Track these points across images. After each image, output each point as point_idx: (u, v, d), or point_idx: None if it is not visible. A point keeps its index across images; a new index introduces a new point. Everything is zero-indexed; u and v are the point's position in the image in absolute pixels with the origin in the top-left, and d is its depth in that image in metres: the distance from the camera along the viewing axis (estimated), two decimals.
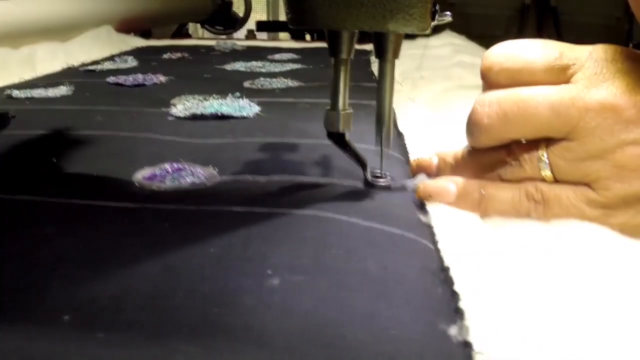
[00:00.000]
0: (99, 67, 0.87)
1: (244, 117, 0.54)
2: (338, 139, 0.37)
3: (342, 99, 0.35)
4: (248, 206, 0.33)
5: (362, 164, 0.39)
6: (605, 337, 0.23)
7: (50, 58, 0.99)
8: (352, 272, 0.26)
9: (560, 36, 1.51)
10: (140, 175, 0.40)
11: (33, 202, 0.34)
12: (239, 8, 2.01)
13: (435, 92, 0.63)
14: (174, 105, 0.58)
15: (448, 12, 0.35)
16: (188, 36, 1.79)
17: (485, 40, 1.39)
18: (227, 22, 1.86)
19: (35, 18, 1.04)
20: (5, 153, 0.45)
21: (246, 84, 0.74)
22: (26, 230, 0.30)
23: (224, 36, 1.90)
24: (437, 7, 0.34)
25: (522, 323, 0.24)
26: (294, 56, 1.04)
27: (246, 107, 0.55)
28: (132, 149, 0.46)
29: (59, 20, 1.10)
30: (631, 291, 0.27)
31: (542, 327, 0.24)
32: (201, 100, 0.57)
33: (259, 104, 0.58)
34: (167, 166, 0.41)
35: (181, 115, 0.54)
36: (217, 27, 1.88)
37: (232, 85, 0.73)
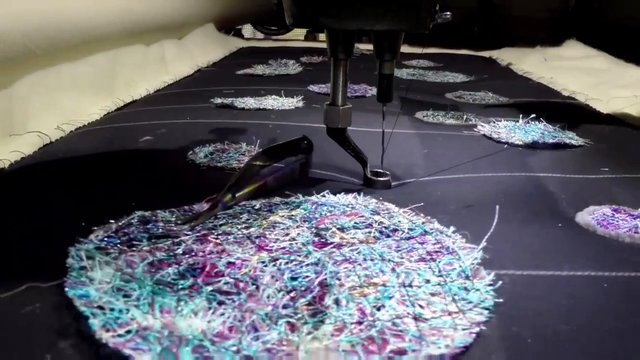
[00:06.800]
0: (256, 71, 0.82)
1: None
2: (338, 135, 0.37)
3: (342, 95, 0.36)
4: None
5: (361, 161, 0.39)
6: None
7: (176, 58, 0.92)
8: None
9: (602, 38, 1.50)
10: None
11: None
12: None
13: None
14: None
15: (448, 12, 0.35)
16: (241, 35, 1.73)
17: (527, 42, 1.36)
18: (281, 22, 1.80)
19: (154, 14, 0.96)
20: None
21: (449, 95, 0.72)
22: None
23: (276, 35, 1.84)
24: (437, 7, 0.34)
25: None
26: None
27: None
28: None
29: (173, 18, 1.03)
30: None
31: None
32: None
33: None
34: None
35: None
36: (271, 27, 1.81)
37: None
